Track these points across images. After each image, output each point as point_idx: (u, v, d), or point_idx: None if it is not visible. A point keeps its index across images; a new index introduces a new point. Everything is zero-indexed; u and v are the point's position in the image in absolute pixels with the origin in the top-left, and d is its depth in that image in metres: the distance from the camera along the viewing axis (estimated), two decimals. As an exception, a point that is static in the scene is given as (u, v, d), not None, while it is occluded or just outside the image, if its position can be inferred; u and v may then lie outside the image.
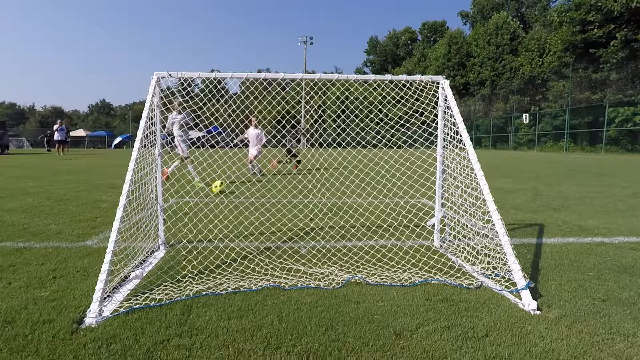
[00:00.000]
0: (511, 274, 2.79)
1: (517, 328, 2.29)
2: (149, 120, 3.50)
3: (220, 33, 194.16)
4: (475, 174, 3.27)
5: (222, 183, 7.30)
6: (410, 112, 4.45)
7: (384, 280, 3.01)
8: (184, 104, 8.74)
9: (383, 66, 74.01)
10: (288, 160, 13.46)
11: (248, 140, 11.37)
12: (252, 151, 11.22)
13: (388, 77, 3.88)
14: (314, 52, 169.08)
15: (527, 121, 38.45)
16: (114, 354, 2.01)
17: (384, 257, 3.60)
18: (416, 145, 4.89)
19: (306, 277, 3.07)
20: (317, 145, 5.33)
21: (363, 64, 79.66)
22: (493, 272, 3.06)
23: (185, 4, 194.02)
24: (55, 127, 25.92)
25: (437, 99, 3.93)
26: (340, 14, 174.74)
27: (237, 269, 3.28)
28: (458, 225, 3.71)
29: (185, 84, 3.99)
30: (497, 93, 47.09)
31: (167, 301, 2.61)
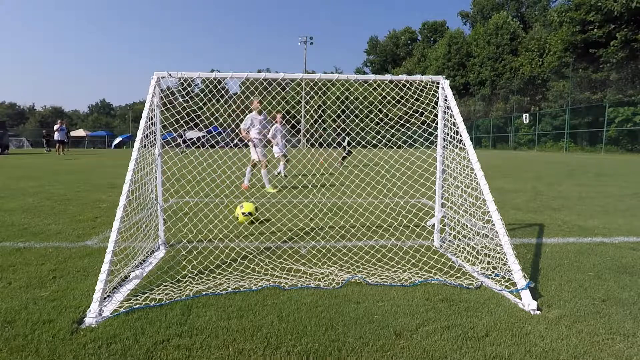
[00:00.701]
0: (511, 274, 2.79)
1: (517, 328, 2.29)
2: (149, 120, 3.50)
3: (221, 33, 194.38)
4: (475, 174, 3.27)
5: (251, 212, 4.95)
6: (410, 112, 4.45)
7: (384, 280, 3.01)
8: (264, 103, 7.89)
9: (383, 66, 74.00)
10: (343, 158, 14.59)
11: (272, 139, 10.37)
12: (278, 150, 10.26)
13: (388, 77, 3.88)
14: (314, 52, 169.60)
15: (527, 121, 38.46)
16: (114, 354, 2.01)
17: (384, 257, 3.60)
18: (416, 145, 4.89)
19: (306, 277, 3.07)
20: (317, 145, 5.33)
21: (363, 64, 79.76)
22: (493, 272, 3.06)
23: (186, 4, 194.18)
24: (55, 127, 25.99)
25: (437, 99, 3.93)
26: (340, 14, 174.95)
27: (237, 269, 3.28)
28: (458, 225, 3.70)
29: (185, 84, 3.99)
30: (497, 93, 47.10)
31: (167, 301, 2.61)
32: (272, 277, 3.08)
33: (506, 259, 2.86)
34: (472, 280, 3.00)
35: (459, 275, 3.13)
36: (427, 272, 3.21)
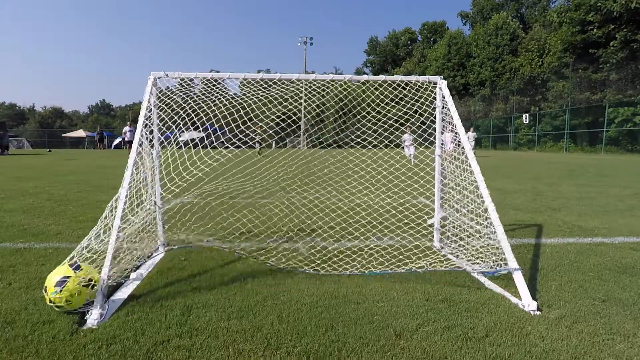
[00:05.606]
0: (503, 253, 2.82)
1: (518, 328, 2.29)
2: (147, 120, 3.50)
3: (221, 33, 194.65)
4: (472, 171, 3.27)
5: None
6: (410, 113, 4.44)
7: (377, 269, 3.13)
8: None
9: (383, 67, 73.97)
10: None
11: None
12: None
13: (382, 77, 3.89)
14: (314, 52, 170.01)
15: (527, 121, 38.45)
16: (114, 354, 2.01)
17: (383, 256, 3.59)
18: (415, 145, 4.89)
19: (304, 276, 3.07)
20: (318, 146, 5.33)
21: (363, 64, 79.72)
22: (491, 267, 3.07)
23: (186, 4, 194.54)
24: (125, 128, 27.15)
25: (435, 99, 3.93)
26: (340, 14, 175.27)
27: (237, 269, 3.27)
28: (457, 223, 3.70)
29: (183, 84, 3.99)
30: (497, 93, 47.08)
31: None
32: (271, 276, 3.09)
33: (501, 252, 2.86)
34: (467, 280, 3.00)
35: (455, 275, 3.13)
36: (422, 268, 3.22)
